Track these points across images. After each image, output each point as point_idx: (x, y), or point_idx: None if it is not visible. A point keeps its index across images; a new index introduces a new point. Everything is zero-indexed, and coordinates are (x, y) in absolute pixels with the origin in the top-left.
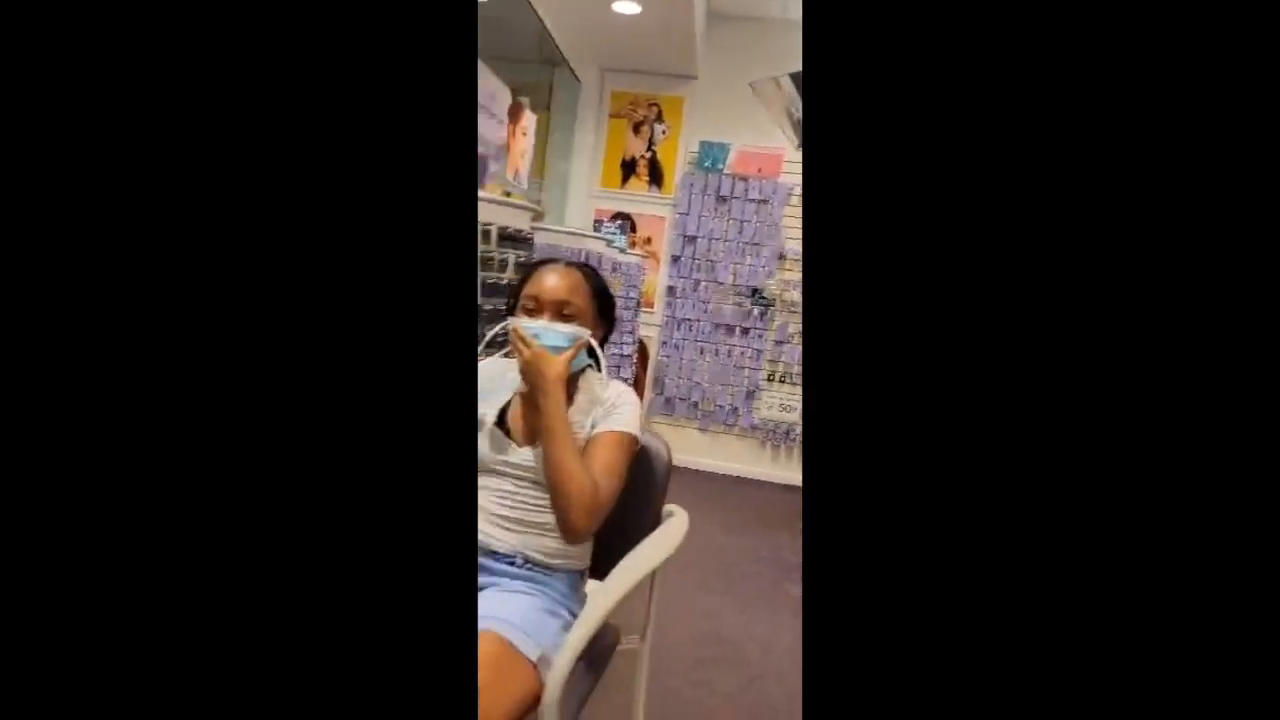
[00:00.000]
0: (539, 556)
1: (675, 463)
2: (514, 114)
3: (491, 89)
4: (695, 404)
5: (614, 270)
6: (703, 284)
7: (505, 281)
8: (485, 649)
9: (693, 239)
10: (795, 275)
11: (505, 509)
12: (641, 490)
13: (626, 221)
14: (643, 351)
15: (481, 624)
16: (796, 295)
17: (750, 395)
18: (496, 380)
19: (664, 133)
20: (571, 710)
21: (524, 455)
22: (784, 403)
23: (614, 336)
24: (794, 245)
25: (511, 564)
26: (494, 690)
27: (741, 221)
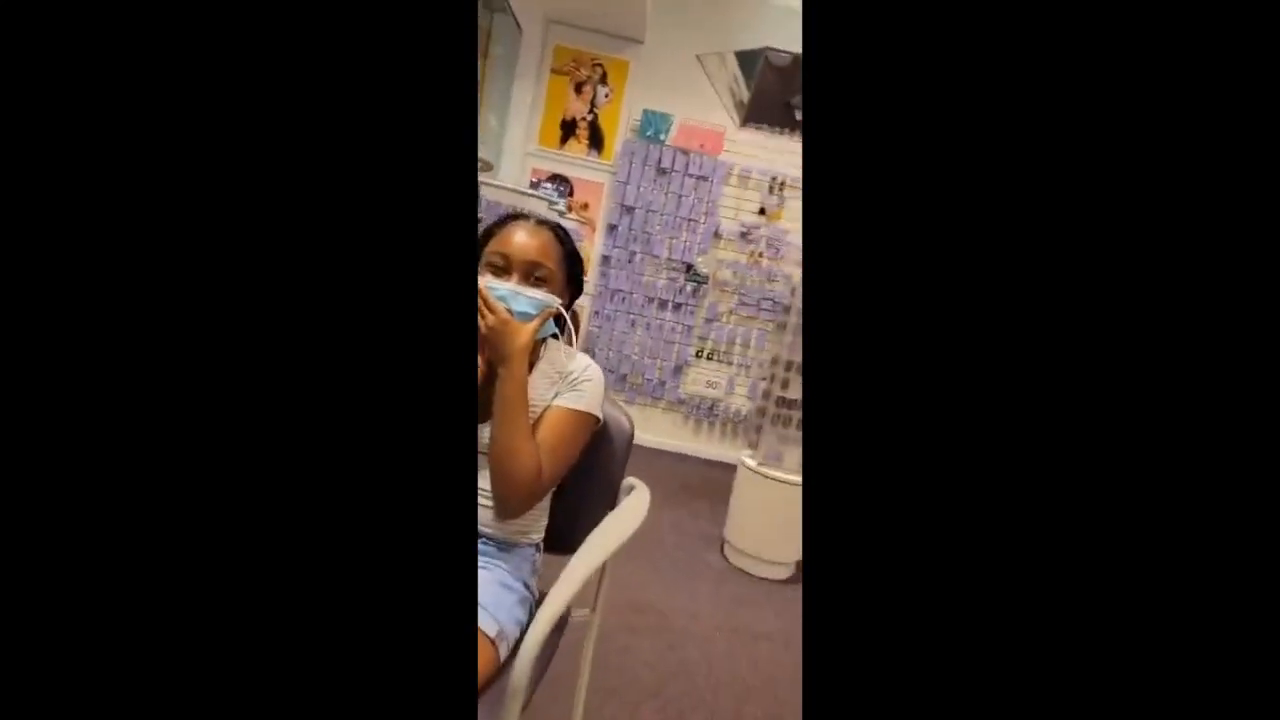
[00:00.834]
0: (493, 531)
1: None
2: None
3: None
4: (624, 376)
5: None
6: (638, 256)
7: None
8: None
9: (631, 209)
10: (729, 255)
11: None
12: (602, 464)
13: (565, 185)
14: (574, 321)
15: None
16: (729, 275)
17: (678, 370)
18: None
19: (607, 96)
20: (532, 686)
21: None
22: (710, 379)
23: None
24: (730, 225)
25: None
26: None
27: (680, 196)
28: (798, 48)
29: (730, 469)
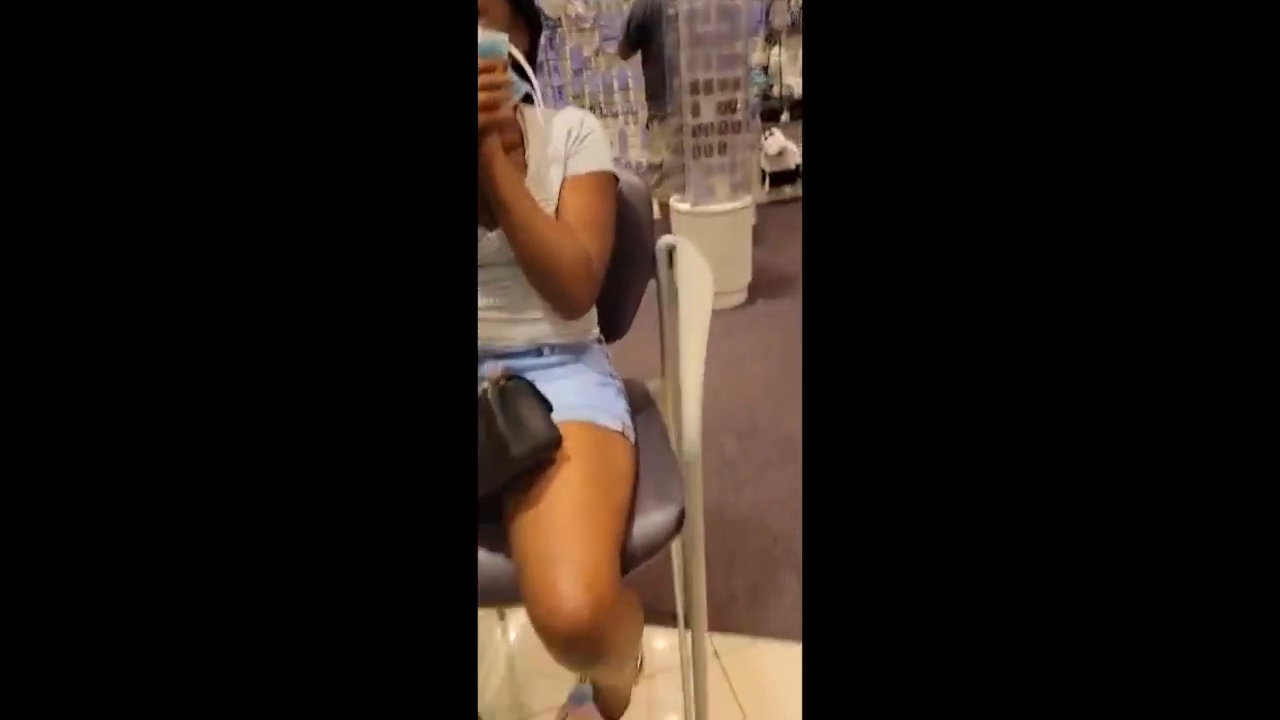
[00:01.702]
0: (559, 340)
1: None
2: None
3: None
4: None
5: None
6: None
7: None
8: (581, 437)
9: None
10: None
11: (497, 300)
12: (629, 229)
13: None
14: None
15: (557, 415)
16: (580, 7)
17: None
18: None
19: None
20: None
21: (489, 240)
22: None
23: None
24: None
25: (539, 355)
26: (605, 469)
27: None
28: None
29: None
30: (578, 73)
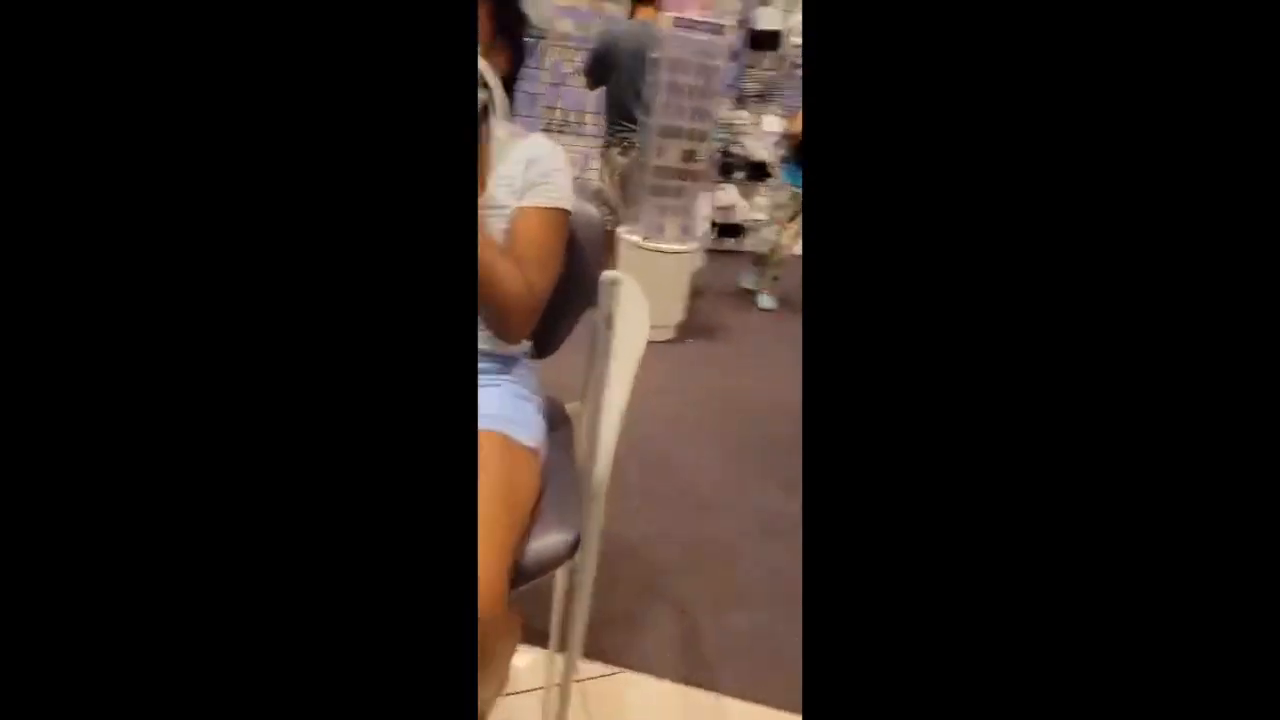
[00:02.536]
0: (489, 348)
1: None
2: None
3: None
4: None
5: None
6: None
7: None
8: (492, 449)
9: None
10: None
11: None
12: (575, 259)
13: None
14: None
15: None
16: (570, 25)
17: None
18: None
19: None
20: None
21: None
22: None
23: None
24: None
25: None
26: (511, 485)
27: None
28: None
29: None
30: (555, 86)
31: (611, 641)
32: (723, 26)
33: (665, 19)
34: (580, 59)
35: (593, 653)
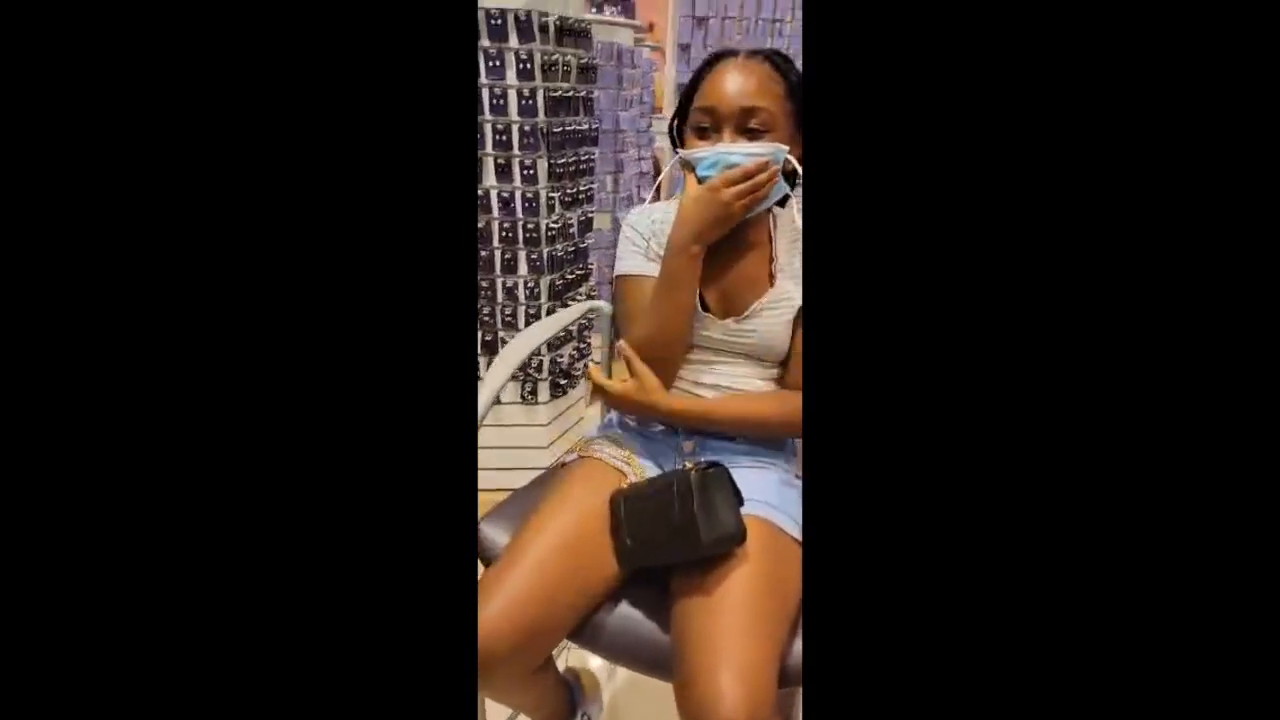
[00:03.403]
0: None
1: None
2: None
3: None
4: None
5: (633, 66)
6: None
7: (568, 93)
8: (760, 536)
9: (703, 20)
10: None
11: (709, 379)
12: None
13: (625, 1)
14: (656, 168)
15: (745, 508)
16: None
17: None
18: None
19: None
20: None
21: (726, 328)
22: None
23: (632, 150)
24: None
25: (734, 440)
26: (778, 576)
27: None
28: None
29: None
30: None
31: None
32: None
33: None
34: None
35: None
